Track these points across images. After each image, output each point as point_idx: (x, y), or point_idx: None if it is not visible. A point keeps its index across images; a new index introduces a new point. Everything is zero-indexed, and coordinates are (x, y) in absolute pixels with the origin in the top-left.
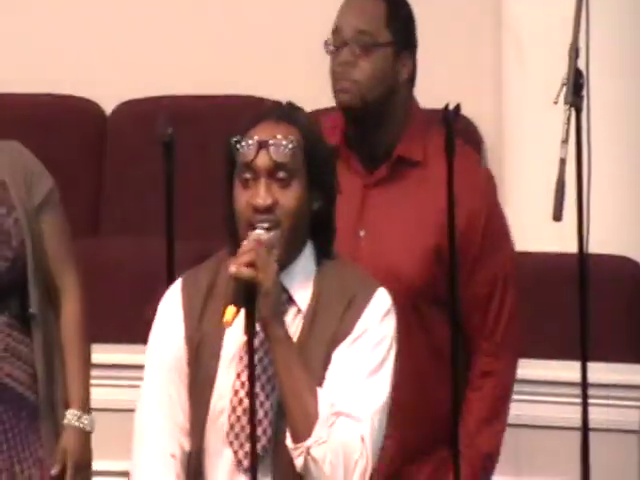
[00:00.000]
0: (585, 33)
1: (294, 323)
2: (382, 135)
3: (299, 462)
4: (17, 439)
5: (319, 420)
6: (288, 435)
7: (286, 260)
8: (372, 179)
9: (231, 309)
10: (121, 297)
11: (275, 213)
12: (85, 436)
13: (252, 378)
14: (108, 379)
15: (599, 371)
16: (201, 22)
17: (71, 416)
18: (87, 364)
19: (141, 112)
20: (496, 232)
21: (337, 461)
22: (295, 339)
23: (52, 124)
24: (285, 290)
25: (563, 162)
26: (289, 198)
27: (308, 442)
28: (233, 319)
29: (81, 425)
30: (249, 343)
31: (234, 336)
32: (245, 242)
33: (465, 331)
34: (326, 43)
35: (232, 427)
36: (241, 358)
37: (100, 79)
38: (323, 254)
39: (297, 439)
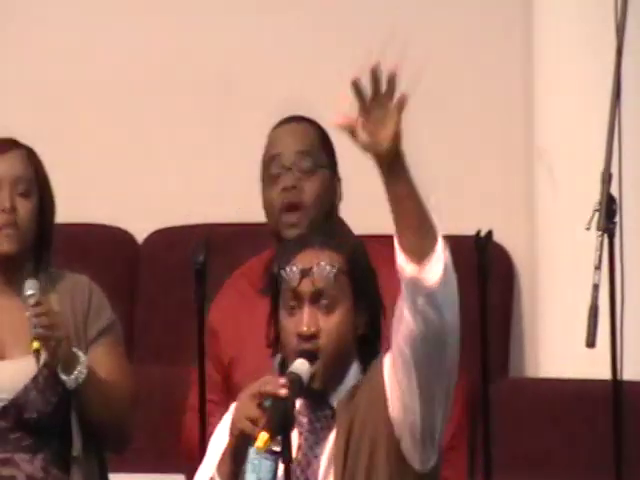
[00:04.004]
0: (617, 158)
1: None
2: None
3: (438, 268)
4: None
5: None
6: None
7: (332, 383)
8: None
9: (264, 435)
10: (153, 427)
11: (318, 340)
12: None
13: None
14: None
15: None
16: (234, 151)
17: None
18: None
19: (172, 240)
20: None
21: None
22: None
23: (85, 253)
24: (331, 408)
25: (596, 288)
26: (332, 325)
27: (439, 245)
28: (264, 446)
29: None
30: (286, 472)
31: None
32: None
33: None
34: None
35: None
36: None
37: (132, 209)
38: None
39: (427, 250)
